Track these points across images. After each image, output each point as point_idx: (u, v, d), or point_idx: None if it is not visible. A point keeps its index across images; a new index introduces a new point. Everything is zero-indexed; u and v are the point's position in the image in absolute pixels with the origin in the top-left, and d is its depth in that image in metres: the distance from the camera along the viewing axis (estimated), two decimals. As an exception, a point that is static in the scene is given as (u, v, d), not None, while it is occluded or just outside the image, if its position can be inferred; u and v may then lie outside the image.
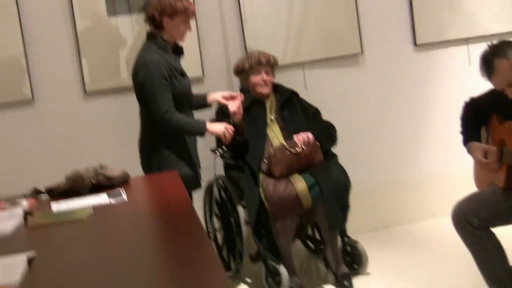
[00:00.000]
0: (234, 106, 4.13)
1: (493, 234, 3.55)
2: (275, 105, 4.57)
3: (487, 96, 3.82)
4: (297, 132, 4.38)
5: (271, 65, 4.55)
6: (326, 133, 4.48)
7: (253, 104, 4.50)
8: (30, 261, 2.27)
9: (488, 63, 3.60)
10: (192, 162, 4.03)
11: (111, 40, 4.80)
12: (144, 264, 2.27)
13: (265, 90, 4.51)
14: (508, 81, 3.45)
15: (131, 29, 4.80)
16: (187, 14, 3.96)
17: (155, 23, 3.96)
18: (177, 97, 3.91)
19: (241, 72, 4.54)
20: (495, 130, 3.73)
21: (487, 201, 3.57)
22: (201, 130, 3.95)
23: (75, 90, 4.78)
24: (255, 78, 4.49)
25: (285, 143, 4.30)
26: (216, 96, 4.24)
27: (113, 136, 4.83)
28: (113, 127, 4.83)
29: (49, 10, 4.71)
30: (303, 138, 4.31)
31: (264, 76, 4.49)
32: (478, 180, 3.86)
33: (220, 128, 4.00)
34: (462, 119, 3.88)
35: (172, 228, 2.70)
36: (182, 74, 4.01)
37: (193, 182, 4.03)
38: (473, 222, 3.51)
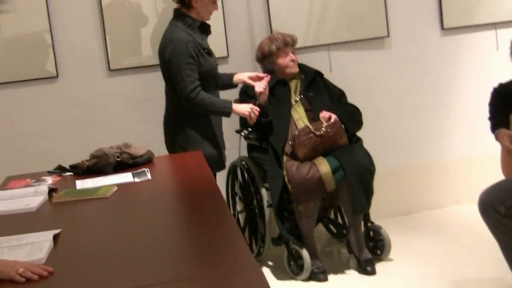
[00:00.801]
0: (260, 86, 4.10)
1: (520, 223, 3.51)
2: (299, 86, 4.53)
3: (516, 82, 3.77)
4: (322, 113, 4.36)
5: (294, 44, 4.54)
6: (352, 117, 4.44)
7: (278, 85, 4.46)
8: (55, 238, 2.27)
9: (518, 47, 3.55)
10: (216, 142, 4.01)
11: (135, 17, 4.78)
12: (168, 242, 2.26)
13: (296, 69, 4.49)
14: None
15: (155, 7, 4.77)
16: None
17: (183, 1, 3.92)
18: (203, 76, 3.88)
19: (268, 56, 4.48)
20: (524, 117, 3.68)
21: (514, 189, 3.52)
22: (227, 110, 3.92)
23: (99, 67, 4.77)
24: (284, 60, 4.46)
25: (309, 125, 4.26)
26: (242, 76, 4.22)
27: (136, 114, 4.81)
28: (136, 104, 4.81)
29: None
30: (326, 115, 4.28)
31: (292, 56, 4.47)
32: (505, 167, 3.81)
33: (245, 108, 3.97)
34: (490, 105, 3.82)
35: (197, 208, 2.70)
36: (209, 53, 3.98)
37: (217, 163, 4.02)
38: (500, 210, 3.46)
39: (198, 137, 3.93)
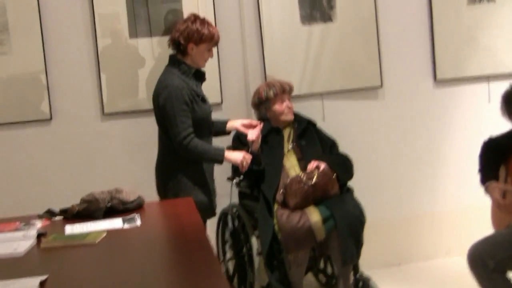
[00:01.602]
0: (253, 134, 4.12)
1: (508, 279, 3.50)
2: (292, 134, 4.55)
3: (507, 136, 3.81)
4: (314, 163, 4.37)
5: (291, 92, 4.59)
6: (343, 166, 4.45)
7: (271, 132, 4.49)
8: (41, 284, 2.26)
9: (509, 103, 3.60)
10: (208, 189, 4.01)
11: (132, 62, 4.81)
12: (156, 291, 2.25)
13: (291, 116, 4.54)
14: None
15: (151, 51, 4.81)
16: (212, 41, 3.97)
17: (179, 47, 3.96)
18: (197, 123, 3.90)
19: (265, 101, 4.52)
20: (514, 171, 3.70)
21: (504, 244, 3.53)
22: (219, 158, 3.93)
23: (93, 110, 4.78)
24: (281, 106, 4.50)
25: (301, 174, 4.27)
26: (235, 123, 4.23)
27: (129, 158, 4.82)
28: (130, 148, 4.82)
29: (72, 28, 4.73)
30: (313, 165, 4.30)
31: (288, 103, 4.51)
32: (495, 221, 3.82)
33: (238, 156, 3.98)
34: (481, 158, 3.85)
35: (185, 256, 2.69)
36: (203, 99, 4.00)
37: (208, 210, 4.01)
38: (489, 264, 3.46)
39: (189, 183, 3.93)
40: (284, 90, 4.54)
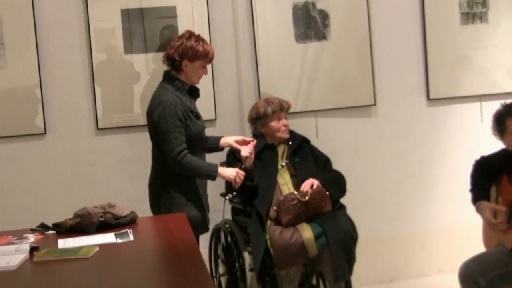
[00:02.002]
0: (246, 151, 4.13)
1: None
2: (286, 151, 4.57)
3: (498, 156, 3.82)
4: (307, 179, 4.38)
5: (288, 110, 4.61)
6: (336, 183, 4.47)
7: (265, 149, 4.50)
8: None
9: (500, 123, 3.61)
10: (201, 205, 4.02)
11: (126, 77, 4.84)
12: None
13: (287, 135, 4.56)
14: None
15: (146, 67, 4.83)
16: (207, 58, 3.99)
17: (173, 64, 3.98)
18: (191, 139, 3.91)
19: (262, 117, 4.53)
20: (505, 191, 3.71)
21: (494, 262, 3.54)
22: (212, 174, 3.94)
23: (87, 125, 4.80)
24: (277, 124, 4.52)
25: (295, 191, 4.29)
26: (229, 140, 4.24)
27: (123, 173, 4.83)
28: (123, 163, 4.84)
29: (67, 43, 4.76)
30: (307, 186, 4.33)
31: (285, 121, 4.53)
32: (486, 239, 3.84)
33: (231, 172, 3.99)
34: (472, 177, 3.87)
35: (177, 272, 2.70)
36: (197, 116, 4.02)
37: (201, 226, 4.01)
38: (480, 282, 3.48)
39: (182, 199, 3.94)
40: (282, 108, 4.56)
